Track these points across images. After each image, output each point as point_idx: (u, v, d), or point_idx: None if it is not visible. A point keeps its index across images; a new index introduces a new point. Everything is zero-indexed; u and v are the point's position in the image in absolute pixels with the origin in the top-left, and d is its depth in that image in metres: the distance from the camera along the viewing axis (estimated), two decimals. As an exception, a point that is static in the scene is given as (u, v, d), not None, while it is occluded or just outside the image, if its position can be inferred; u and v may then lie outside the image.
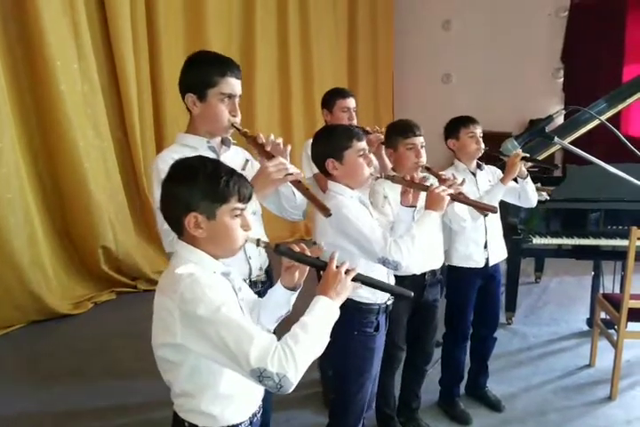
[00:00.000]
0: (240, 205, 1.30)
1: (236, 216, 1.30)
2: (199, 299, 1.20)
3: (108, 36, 4.25)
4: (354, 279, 1.36)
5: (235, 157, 1.93)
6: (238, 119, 1.82)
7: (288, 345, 1.18)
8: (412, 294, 1.47)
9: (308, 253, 1.39)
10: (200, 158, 1.35)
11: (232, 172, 1.31)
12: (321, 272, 1.39)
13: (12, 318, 3.77)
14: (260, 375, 1.16)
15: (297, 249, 1.38)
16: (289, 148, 1.81)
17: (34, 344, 3.59)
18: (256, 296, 1.50)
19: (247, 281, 1.88)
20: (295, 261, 1.40)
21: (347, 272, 1.34)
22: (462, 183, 2.14)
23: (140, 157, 4.53)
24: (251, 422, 1.39)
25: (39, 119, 3.93)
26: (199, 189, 1.26)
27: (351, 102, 2.95)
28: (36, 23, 3.68)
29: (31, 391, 3.01)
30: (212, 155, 1.82)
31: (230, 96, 1.78)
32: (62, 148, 3.97)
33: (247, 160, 1.97)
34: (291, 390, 1.18)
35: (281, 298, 1.46)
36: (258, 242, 1.37)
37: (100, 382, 3.09)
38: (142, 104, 4.55)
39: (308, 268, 1.43)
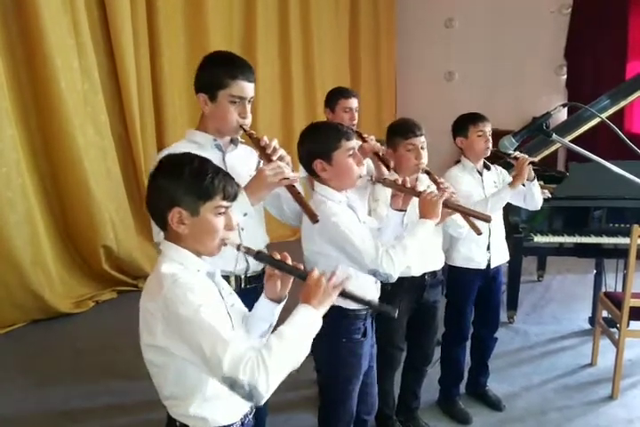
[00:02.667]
0: (224, 204, 1.29)
1: (220, 214, 1.29)
2: (179, 300, 1.19)
3: (108, 34, 4.24)
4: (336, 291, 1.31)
5: (243, 156, 1.94)
6: (247, 121, 1.83)
7: (262, 356, 1.16)
8: (397, 312, 1.40)
9: (290, 262, 1.35)
10: (188, 155, 1.33)
11: (218, 170, 1.30)
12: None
13: (14, 317, 3.77)
14: (231, 384, 1.15)
15: (278, 257, 1.35)
16: (289, 158, 1.80)
17: (35, 343, 3.60)
18: (246, 309, 1.47)
19: (243, 276, 1.88)
20: (276, 268, 1.37)
21: (329, 281, 1.30)
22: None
23: (141, 156, 4.52)
24: (242, 424, 1.39)
25: (39, 118, 3.92)
26: (184, 185, 1.25)
27: (353, 102, 2.94)
28: (36, 22, 3.67)
29: (32, 390, 3.02)
30: (217, 153, 1.84)
31: (241, 99, 1.79)
32: (62, 146, 3.97)
33: (259, 161, 1.95)
34: (262, 402, 1.17)
35: (264, 310, 1.42)
36: (238, 247, 1.35)
37: (101, 381, 3.09)
38: (143, 102, 4.55)
39: (291, 278, 1.39)
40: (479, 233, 2.07)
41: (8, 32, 3.68)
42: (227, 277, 1.47)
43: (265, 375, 1.14)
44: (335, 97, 2.96)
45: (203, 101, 1.81)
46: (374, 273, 1.79)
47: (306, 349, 1.24)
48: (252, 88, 1.82)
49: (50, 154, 4.01)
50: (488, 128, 2.56)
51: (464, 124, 2.58)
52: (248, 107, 1.82)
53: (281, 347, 1.18)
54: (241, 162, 1.90)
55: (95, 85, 4.16)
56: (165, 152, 1.76)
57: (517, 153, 2.50)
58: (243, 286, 1.87)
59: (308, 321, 1.25)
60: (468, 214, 2.02)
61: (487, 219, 2.00)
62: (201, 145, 1.82)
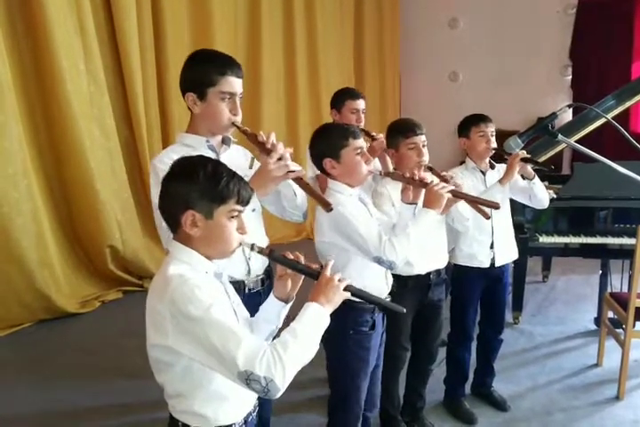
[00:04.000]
0: (238, 207, 1.30)
1: (233, 218, 1.30)
2: (188, 300, 1.19)
3: (114, 36, 4.27)
4: (346, 290, 1.33)
5: (236, 156, 1.92)
6: (239, 118, 1.81)
7: (277, 350, 1.18)
8: (404, 310, 1.44)
9: (302, 261, 1.37)
10: (202, 158, 1.34)
11: (233, 173, 1.31)
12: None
13: (20, 317, 3.80)
14: (247, 378, 1.16)
15: (291, 257, 1.37)
16: (290, 150, 1.77)
17: (42, 343, 3.62)
18: (248, 314, 1.48)
19: (245, 281, 1.87)
20: (288, 268, 1.39)
21: (340, 281, 1.32)
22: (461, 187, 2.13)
23: (147, 157, 4.53)
24: (245, 422, 1.39)
25: (46, 119, 3.95)
26: (199, 188, 1.26)
27: (360, 104, 2.93)
28: (42, 24, 3.70)
29: (38, 390, 3.03)
30: (211, 154, 1.81)
31: (231, 95, 1.76)
32: (69, 147, 3.99)
33: (253, 158, 1.95)
34: (278, 396, 1.18)
35: (271, 310, 1.44)
36: (252, 246, 1.35)
37: (107, 381, 3.11)
38: (148, 104, 4.57)
39: (301, 278, 1.41)
40: (487, 217, 2.12)
41: (14, 34, 3.71)
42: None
43: (282, 369, 1.16)
44: (342, 98, 2.94)
45: (191, 101, 1.77)
46: (378, 260, 1.86)
47: (316, 345, 1.26)
48: (240, 84, 1.79)
49: (56, 155, 4.04)
50: (490, 129, 2.58)
51: (466, 125, 2.61)
52: (238, 103, 1.79)
53: (295, 342, 1.20)
54: (235, 162, 1.83)
55: (101, 87, 4.18)
56: (158, 158, 1.76)
57: (516, 151, 2.50)
58: (246, 291, 1.86)
59: (318, 318, 1.27)
60: (474, 202, 2.07)
61: (495, 205, 2.05)
62: (194, 148, 1.79)
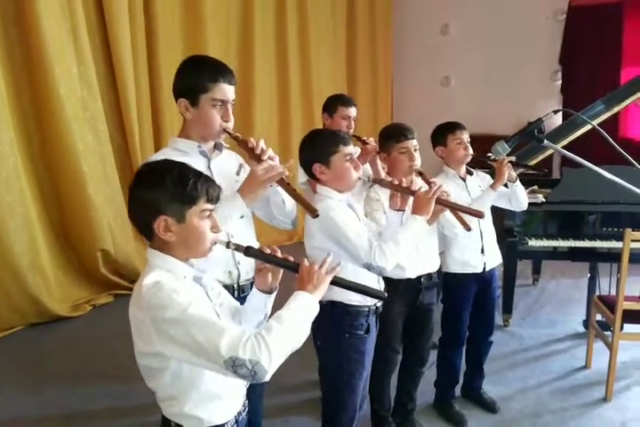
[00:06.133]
0: (209, 206, 1.31)
1: (206, 218, 1.31)
2: (166, 304, 1.20)
3: (106, 41, 4.28)
4: (328, 274, 1.35)
5: (227, 162, 1.95)
6: (231, 124, 1.83)
7: (261, 334, 1.18)
8: (386, 295, 1.46)
9: (279, 255, 1.38)
10: (166, 161, 1.35)
11: (199, 173, 1.31)
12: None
13: (12, 321, 3.79)
14: (233, 365, 1.15)
15: (268, 251, 1.38)
16: (277, 158, 1.80)
17: (33, 347, 3.61)
18: (238, 303, 1.50)
19: (235, 285, 1.89)
20: (266, 262, 1.40)
21: (320, 267, 1.34)
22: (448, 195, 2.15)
23: (139, 161, 4.53)
24: (236, 421, 1.41)
25: (38, 123, 3.95)
26: (167, 192, 1.26)
27: (352, 111, 2.98)
28: (35, 28, 3.71)
29: (30, 394, 3.03)
30: (202, 159, 1.84)
31: (223, 102, 1.79)
32: (61, 152, 3.99)
33: (241, 165, 1.98)
34: (267, 378, 1.18)
35: (257, 302, 1.46)
36: (228, 244, 1.36)
37: (99, 385, 3.11)
38: (141, 108, 4.58)
39: (281, 270, 1.43)
40: (468, 229, 2.14)
41: (7, 38, 3.72)
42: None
43: (267, 351, 1.16)
44: (335, 103, 2.99)
45: (184, 107, 1.80)
46: (368, 266, 1.87)
47: (305, 332, 1.26)
48: (232, 91, 1.81)
49: (49, 159, 4.04)
50: (466, 136, 2.62)
51: (442, 133, 2.64)
52: (230, 110, 1.82)
53: (280, 327, 1.20)
54: (226, 167, 1.90)
55: (94, 92, 4.19)
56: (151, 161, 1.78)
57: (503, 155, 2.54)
58: (235, 295, 1.86)
59: (305, 305, 1.28)
60: (459, 210, 2.08)
61: (479, 214, 2.06)
62: (185, 152, 1.81)
